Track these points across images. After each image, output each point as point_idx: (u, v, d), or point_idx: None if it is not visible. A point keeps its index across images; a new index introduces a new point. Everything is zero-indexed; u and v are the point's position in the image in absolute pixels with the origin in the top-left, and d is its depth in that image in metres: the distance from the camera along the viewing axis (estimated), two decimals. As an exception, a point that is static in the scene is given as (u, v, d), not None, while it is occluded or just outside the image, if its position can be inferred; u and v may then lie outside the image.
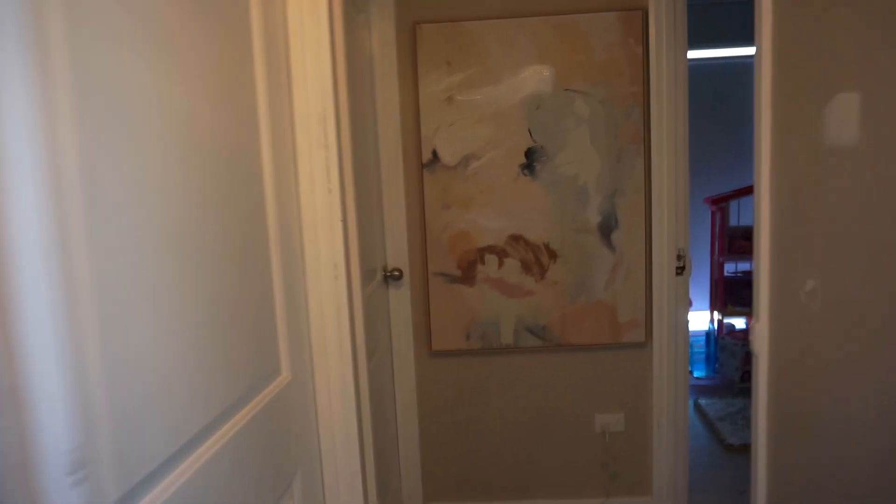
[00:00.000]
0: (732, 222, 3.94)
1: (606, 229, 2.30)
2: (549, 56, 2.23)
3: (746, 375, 3.61)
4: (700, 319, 4.26)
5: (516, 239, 2.32)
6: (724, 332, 3.87)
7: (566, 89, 2.24)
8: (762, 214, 1.40)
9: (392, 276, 2.30)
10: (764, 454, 1.43)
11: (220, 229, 0.90)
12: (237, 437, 0.93)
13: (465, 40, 2.24)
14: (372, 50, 2.24)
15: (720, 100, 4.30)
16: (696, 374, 3.90)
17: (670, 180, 2.25)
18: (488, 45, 2.23)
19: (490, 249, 2.33)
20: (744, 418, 3.23)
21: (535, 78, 2.24)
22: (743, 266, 4.02)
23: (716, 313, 3.90)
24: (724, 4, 4.19)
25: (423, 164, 2.30)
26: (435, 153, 2.29)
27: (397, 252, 2.34)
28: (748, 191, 3.89)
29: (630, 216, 2.29)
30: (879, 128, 1.01)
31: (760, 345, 1.43)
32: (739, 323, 4.00)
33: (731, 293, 3.88)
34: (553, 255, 2.32)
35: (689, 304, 2.39)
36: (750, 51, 4.25)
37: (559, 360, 2.40)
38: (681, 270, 2.31)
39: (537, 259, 2.33)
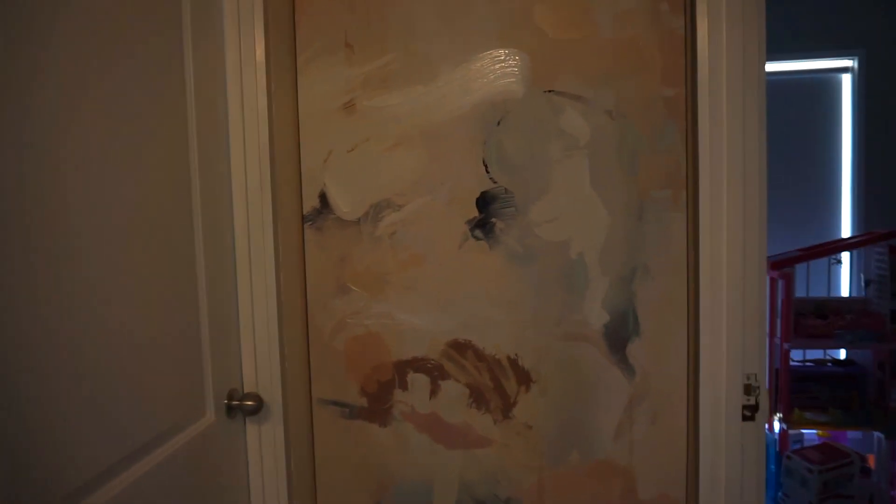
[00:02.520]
0: (799, 293, 2.91)
1: (619, 337, 1.31)
2: (519, 33, 1.27)
3: (825, 515, 2.54)
4: (753, 421, 3.20)
5: (462, 349, 1.34)
6: (790, 447, 2.80)
7: (549, 91, 1.28)
8: None
9: (244, 409, 1.32)
10: None
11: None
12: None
13: (376, 6, 1.30)
14: (222, 24, 1.31)
15: (786, 124, 3.27)
16: (749, 504, 2.82)
17: (734, 254, 1.26)
18: (417, 15, 1.29)
19: (417, 365, 1.35)
20: None
21: (495, 71, 1.28)
22: (814, 353, 2.97)
23: (777, 418, 2.84)
24: (775, 3, 3.21)
25: (305, 215, 1.35)
26: (324, 198, 1.34)
27: (261, 366, 1.37)
28: (821, 250, 2.86)
29: (660, 315, 1.30)
30: None
31: None
32: (812, 434, 2.93)
33: (799, 392, 2.82)
34: (525, 378, 1.33)
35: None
36: (833, 63, 3.24)
37: (535, 558, 1.39)
38: (752, 413, 1.30)
39: (497, 384, 1.34)
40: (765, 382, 1.32)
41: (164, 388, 1.09)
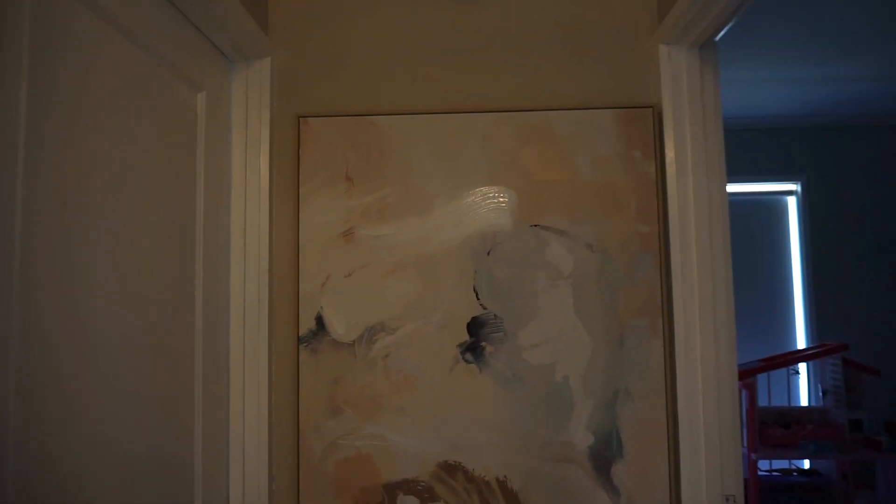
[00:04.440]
0: (761, 402, 3.00)
1: (603, 459, 1.35)
2: (508, 173, 1.40)
3: None
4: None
5: (451, 471, 1.36)
6: (763, 560, 2.81)
7: (535, 226, 1.39)
8: None
9: (231, 534, 1.30)
10: None
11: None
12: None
13: (376, 144, 1.42)
14: (230, 153, 1.41)
15: (739, 242, 3.50)
16: None
17: (708, 378, 1.35)
18: (413, 154, 1.41)
19: (407, 487, 1.36)
20: None
21: (485, 206, 1.40)
22: (780, 463, 3.03)
23: (749, 531, 2.85)
24: (729, 133, 3.53)
25: (301, 337, 1.40)
26: (320, 320, 1.39)
27: (249, 486, 1.36)
28: (781, 361, 3.00)
29: (642, 437, 1.36)
30: None
31: None
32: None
33: (769, 501, 2.86)
34: (513, 500, 1.35)
35: (746, 587, 1.39)
36: (780, 186, 3.53)
37: None
38: (732, 534, 1.34)
39: (486, 506, 1.36)
40: (742, 500, 1.37)
41: (161, 517, 1.09)
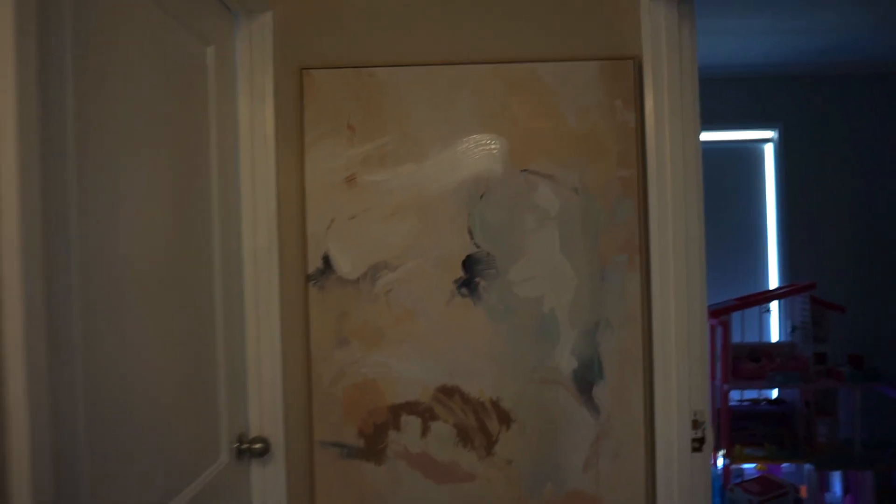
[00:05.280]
0: (735, 338, 3.20)
1: (586, 381, 1.51)
2: (499, 122, 1.50)
3: (765, 544, 2.76)
4: (698, 459, 3.42)
5: (449, 393, 1.51)
6: (732, 480, 3.04)
7: (524, 170, 1.50)
8: None
9: (252, 451, 1.45)
10: None
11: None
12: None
13: (375, 95, 1.51)
14: (238, 104, 1.49)
15: (718, 188, 3.63)
16: (697, 537, 3.03)
17: (680, 308, 1.49)
18: (410, 104, 1.51)
19: (409, 408, 1.51)
20: None
21: (478, 153, 1.50)
22: (750, 394, 3.25)
23: (720, 454, 3.08)
24: (708, 82, 3.61)
25: (309, 275, 1.52)
26: (327, 260, 1.51)
27: (266, 411, 1.51)
28: (753, 300, 3.18)
29: (621, 361, 1.51)
30: None
31: None
32: (751, 469, 3.19)
33: (739, 429, 3.09)
34: (505, 418, 1.51)
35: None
36: (757, 134, 3.65)
37: (514, 583, 1.55)
38: (699, 445, 1.51)
39: (481, 424, 1.51)
40: (709, 419, 1.54)
41: (191, 433, 1.23)
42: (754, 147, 3.71)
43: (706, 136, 3.59)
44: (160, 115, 1.12)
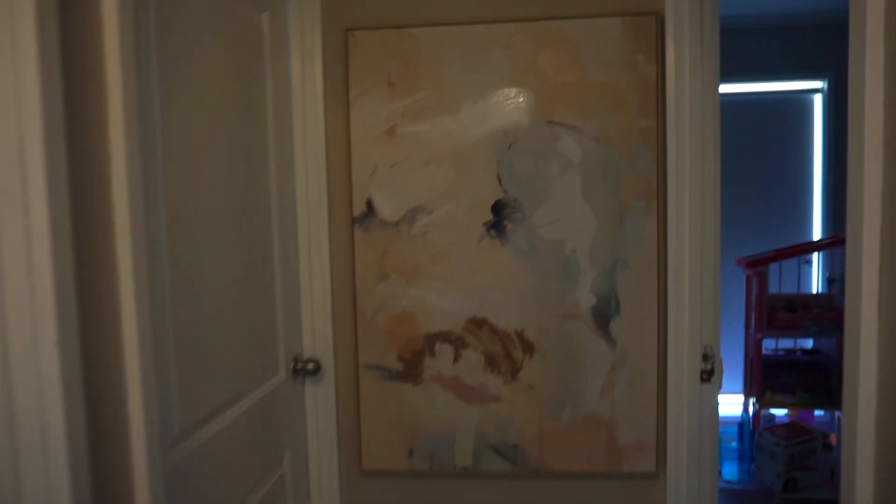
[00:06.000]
0: (772, 289, 3.25)
1: (603, 316, 1.65)
2: (526, 76, 1.62)
3: (791, 484, 2.88)
4: (731, 406, 3.53)
5: (479, 324, 1.68)
6: (762, 425, 3.15)
7: (549, 122, 1.62)
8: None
9: (306, 371, 1.67)
10: None
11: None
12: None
13: (413, 53, 1.65)
14: (290, 64, 1.66)
15: (764, 139, 3.63)
16: (725, 477, 3.17)
17: (694, 252, 1.60)
18: (445, 61, 1.64)
19: (443, 337, 1.69)
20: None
21: (507, 106, 1.63)
22: (785, 343, 3.31)
23: (751, 401, 3.18)
24: (755, 32, 3.57)
25: (355, 218, 1.70)
26: (370, 204, 1.69)
27: (318, 336, 1.72)
28: (790, 252, 3.21)
29: (636, 299, 1.64)
30: None
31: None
32: (781, 414, 3.27)
33: (771, 377, 3.17)
34: (529, 348, 1.68)
35: (717, 407, 1.71)
36: (806, 85, 3.60)
37: (535, 493, 1.74)
38: (708, 376, 1.64)
39: (507, 353, 1.68)
40: (719, 352, 1.67)
41: (255, 351, 1.44)
42: (803, 97, 3.66)
43: (754, 86, 3.57)
44: (226, 78, 1.30)
